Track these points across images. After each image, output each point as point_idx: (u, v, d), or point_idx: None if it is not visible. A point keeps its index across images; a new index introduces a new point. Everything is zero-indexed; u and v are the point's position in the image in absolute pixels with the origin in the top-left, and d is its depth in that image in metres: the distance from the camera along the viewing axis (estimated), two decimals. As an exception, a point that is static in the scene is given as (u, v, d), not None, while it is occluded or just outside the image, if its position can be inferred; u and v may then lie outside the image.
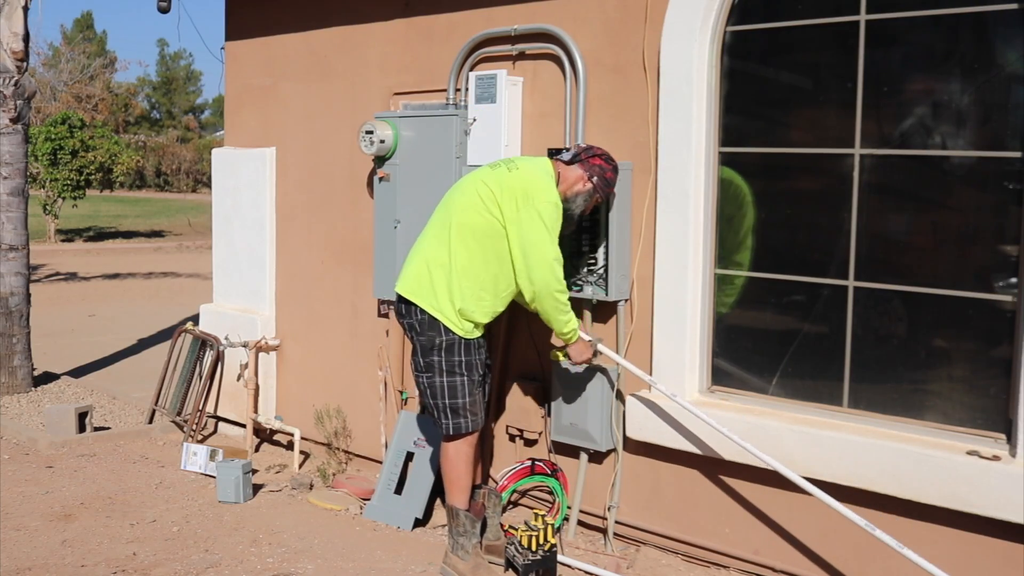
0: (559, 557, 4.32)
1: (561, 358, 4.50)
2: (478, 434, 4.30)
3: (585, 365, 4.45)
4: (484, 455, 5.12)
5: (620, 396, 4.56)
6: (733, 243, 4.38)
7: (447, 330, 4.15)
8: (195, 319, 6.83)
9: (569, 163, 4.20)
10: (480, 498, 4.46)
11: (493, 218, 4.08)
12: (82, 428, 6.43)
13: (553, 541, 4.21)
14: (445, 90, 5.16)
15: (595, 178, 4.17)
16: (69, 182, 23.64)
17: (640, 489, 4.58)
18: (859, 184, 3.98)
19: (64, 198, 23.93)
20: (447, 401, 4.19)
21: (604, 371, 4.56)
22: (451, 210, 4.20)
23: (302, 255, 6.12)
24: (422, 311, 4.16)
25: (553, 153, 4.38)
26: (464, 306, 4.13)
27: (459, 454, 4.25)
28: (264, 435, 6.33)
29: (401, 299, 4.26)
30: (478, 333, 4.23)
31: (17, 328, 7.68)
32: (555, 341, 4.59)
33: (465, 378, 4.19)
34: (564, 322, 4.17)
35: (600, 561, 4.43)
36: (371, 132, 5.15)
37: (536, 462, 4.73)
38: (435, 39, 5.30)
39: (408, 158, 5.16)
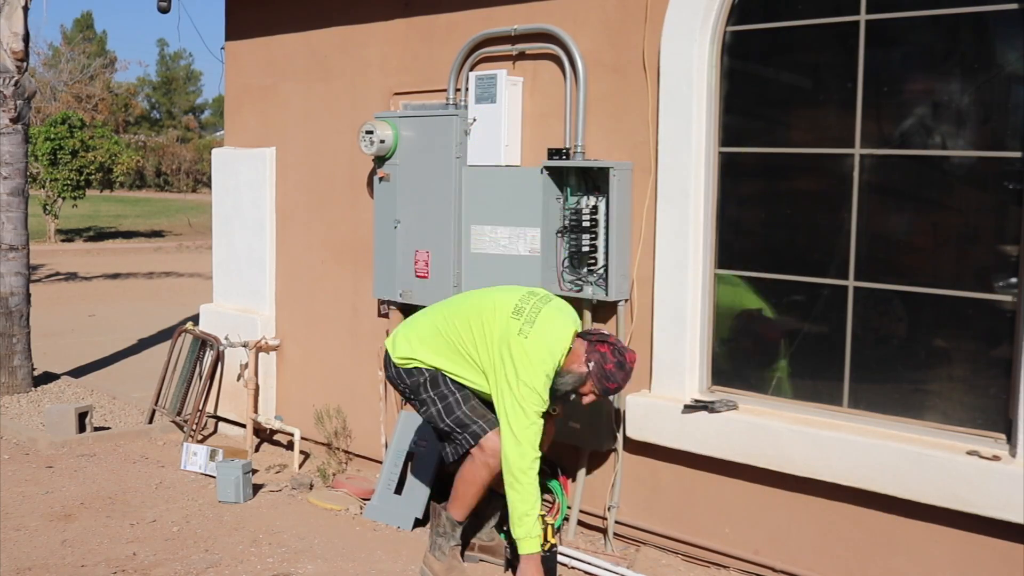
0: (558, 557, 4.32)
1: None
2: (496, 467, 4.05)
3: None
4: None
5: (620, 396, 4.55)
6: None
7: (419, 370, 4.22)
8: (195, 319, 6.83)
9: (583, 338, 4.02)
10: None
11: (484, 352, 4.06)
12: (82, 428, 6.43)
13: (553, 541, 4.21)
14: (445, 90, 5.16)
15: (592, 364, 3.94)
16: (69, 182, 23.64)
17: (640, 489, 4.58)
18: (859, 184, 3.98)
19: (64, 198, 23.93)
20: (449, 420, 4.16)
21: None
22: (456, 317, 4.17)
23: (302, 255, 6.12)
24: (398, 366, 4.26)
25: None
26: (416, 357, 4.24)
27: (476, 478, 4.14)
28: (264, 435, 6.33)
29: (386, 353, 4.35)
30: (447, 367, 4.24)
31: (17, 328, 7.68)
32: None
33: (457, 395, 4.18)
34: (522, 498, 3.89)
35: (600, 561, 4.43)
36: (371, 132, 5.15)
37: (536, 462, 4.73)
38: (435, 39, 5.30)
39: (408, 158, 5.17)
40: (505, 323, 4.02)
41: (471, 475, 4.16)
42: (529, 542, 3.92)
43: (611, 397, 4.49)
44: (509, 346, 3.96)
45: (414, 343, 4.25)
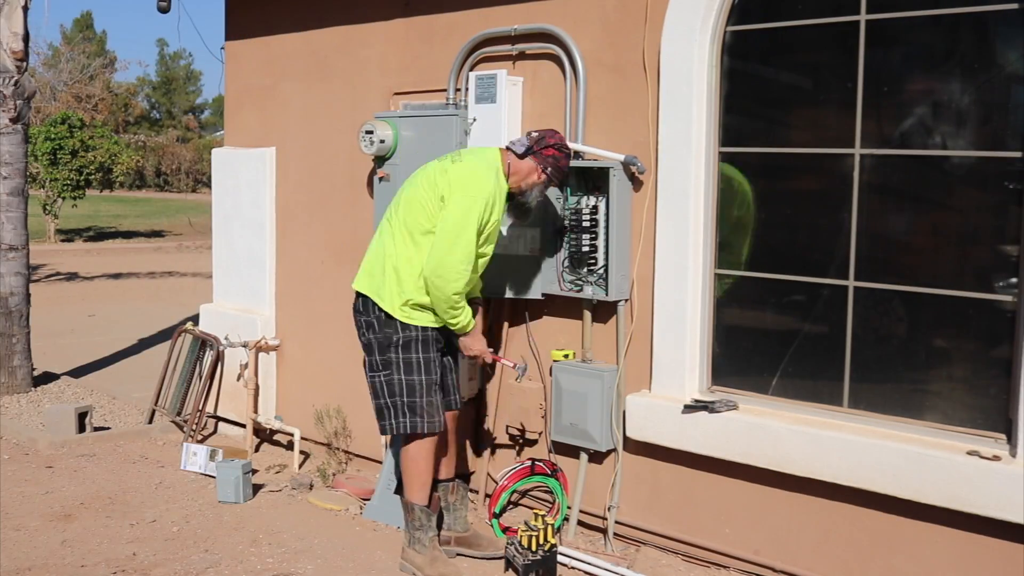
0: (558, 557, 4.33)
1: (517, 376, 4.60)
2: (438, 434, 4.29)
3: (477, 359, 4.42)
4: (479, 453, 5.13)
5: (620, 396, 4.55)
6: (737, 243, 4.38)
7: (403, 326, 4.18)
8: (195, 319, 6.83)
9: (522, 156, 4.20)
10: (441, 491, 4.50)
11: (434, 212, 4.12)
12: (82, 428, 6.43)
13: (553, 541, 4.21)
14: (445, 90, 5.16)
15: (549, 169, 4.20)
16: (69, 182, 23.63)
17: (640, 489, 4.58)
18: (859, 184, 3.98)
19: (64, 198, 23.92)
20: (404, 399, 4.19)
21: (604, 371, 4.56)
22: (399, 205, 4.26)
23: (302, 255, 6.12)
24: (377, 307, 4.20)
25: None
26: (411, 297, 4.16)
27: (420, 452, 4.26)
28: (264, 435, 6.33)
29: (359, 295, 4.30)
30: (432, 324, 4.21)
31: (17, 328, 7.68)
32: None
33: (423, 378, 4.19)
34: (452, 315, 4.13)
35: (600, 561, 4.43)
36: (371, 132, 5.15)
37: (536, 462, 4.73)
38: (435, 39, 5.30)
39: (408, 158, 5.16)
40: (435, 171, 4.18)
41: (415, 453, 4.26)
42: (467, 326, 4.20)
43: (611, 397, 4.55)
44: (451, 175, 4.11)
45: (399, 276, 4.14)
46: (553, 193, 4.66)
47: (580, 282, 4.62)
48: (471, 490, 5.14)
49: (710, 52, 4.30)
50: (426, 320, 4.20)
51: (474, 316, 4.29)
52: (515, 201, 4.28)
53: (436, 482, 4.43)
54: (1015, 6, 3.60)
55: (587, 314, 4.67)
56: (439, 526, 4.49)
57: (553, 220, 4.70)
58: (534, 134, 4.25)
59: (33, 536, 4.75)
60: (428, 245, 4.12)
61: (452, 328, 4.21)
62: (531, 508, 4.89)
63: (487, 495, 5.05)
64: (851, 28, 3.97)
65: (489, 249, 4.26)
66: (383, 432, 4.33)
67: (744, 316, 4.42)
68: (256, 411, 6.13)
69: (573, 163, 4.59)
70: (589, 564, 4.36)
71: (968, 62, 3.77)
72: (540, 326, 4.91)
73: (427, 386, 4.21)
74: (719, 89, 4.33)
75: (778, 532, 4.15)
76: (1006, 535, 3.56)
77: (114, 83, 42.49)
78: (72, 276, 17.32)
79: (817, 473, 3.93)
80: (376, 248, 4.30)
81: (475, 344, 4.31)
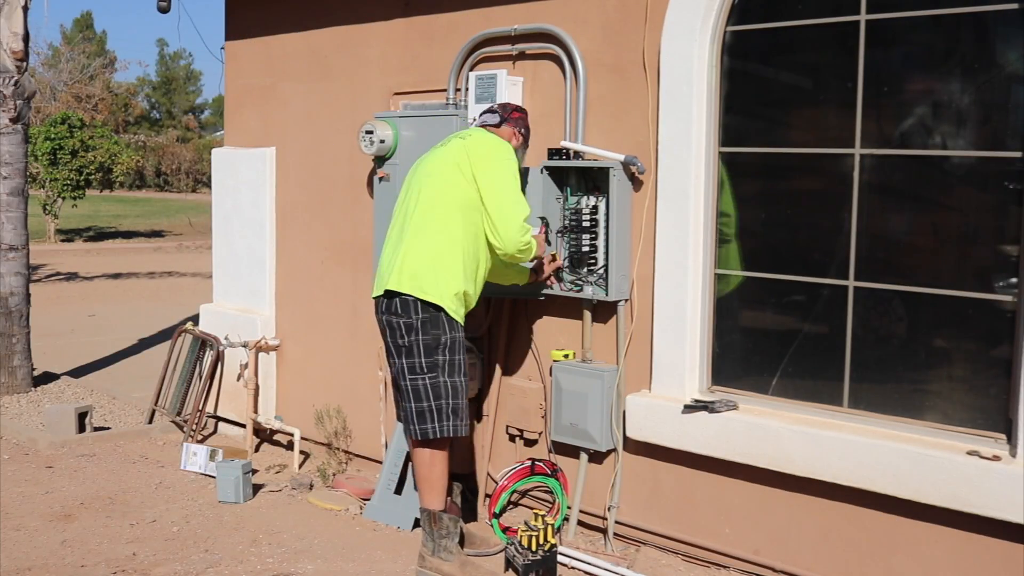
0: (558, 557, 4.33)
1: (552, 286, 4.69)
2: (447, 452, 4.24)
3: (551, 275, 4.64)
4: (482, 454, 5.12)
5: (620, 396, 4.56)
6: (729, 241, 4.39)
7: (451, 325, 4.10)
8: (195, 319, 6.83)
9: (499, 126, 4.38)
10: (451, 495, 4.47)
11: (468, 190, 4.12)
12: (82, 428, 6.43)
13: (553, 541, 4.21)
14: (445, 90, 5.16)
15: (522, 130, 4.43)
16: (69, 182, 23.65)
17: (640, 489, 4.58)
18: (859, 184, 3.98)
19: (64, 198, 23.94)
20: (451, 402, 4.10)
21: (604, 371, 4.56)
22: (419, 200, 4.16)
23: (302, 255, 6.12)
24: (421, 307, 4.06)
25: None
26: (460, 287, 4.11)
27: (438, 457, 4.18)
28: (264, 435, 6.33)
29: (395, 296, 4.11)
30: (463, 321, 4.22)
31: (17, 328, 7.68)
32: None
33: (463, 379, 4.17)
34: (531, 254, 4.24)
35: (600, 561, 4.43)
36: (371, 132, 5.15)
37: (536, 462, 4.73)
38: (435, 39, 5.30)
39: (408, 158, 5.15)
40: (454, 151, 4.21)
41: (431, 459, 4.17)
42: (535, 249, 4.28)
43: (611, 397, 4.55)
44: (473, 149, 4.18)
45: (448, 267, 4.10)
46: (553, 193, 4.66)
47: (580, 282, 4.62)
48: (469, 490, 5.14)
49: (710, 52, 4.30)
50: (463, 316, 4.19)
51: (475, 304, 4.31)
52: None
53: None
54: (1015, 6, 3.60)
55: (587, 314, 4.67)
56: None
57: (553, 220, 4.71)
58: (495, 106, 4.49)
59: (33, 536, 4.75)
60: (474, 226, 4.13)
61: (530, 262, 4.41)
62: (531, 508, 4.89)
63: (487, 495, 5.05)
64: (851, 28, 3.97)
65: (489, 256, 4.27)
66: (423, 437, 4.13)
67: (744, 316, 4.42)
68: (256, 411, 6.13)
69: (573, 163, 4.60)
70: (589, 564, 4.36)
71: (968, 62, 3.77)
72: (540, 326, 4.92)
73: (465, 388, 4.19)
74: (719, 89, 4.33)
75: (778, 532, 4.15)
76: (1006, 535, 3.56)
77: (114, 83, 42.50)
78: (72, 276, 17.32)
79: (817, 473, 3.93)
80: (414, 246, 4.11)
81: (546, 264, 4.60)
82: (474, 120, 4.55)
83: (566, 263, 4.65)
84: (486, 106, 4.82)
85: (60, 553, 4.54)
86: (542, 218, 4.68)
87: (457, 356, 4.14)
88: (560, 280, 4.66)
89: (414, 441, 4.20)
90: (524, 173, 4.60)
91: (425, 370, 4.10)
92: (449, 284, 4.08)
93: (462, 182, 4.11)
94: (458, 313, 4.14)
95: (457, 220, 4.10)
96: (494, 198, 4.09)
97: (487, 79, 4.86)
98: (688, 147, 4.31)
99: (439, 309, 4.07)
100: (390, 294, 4.12)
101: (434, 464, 4.18)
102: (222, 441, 6.42)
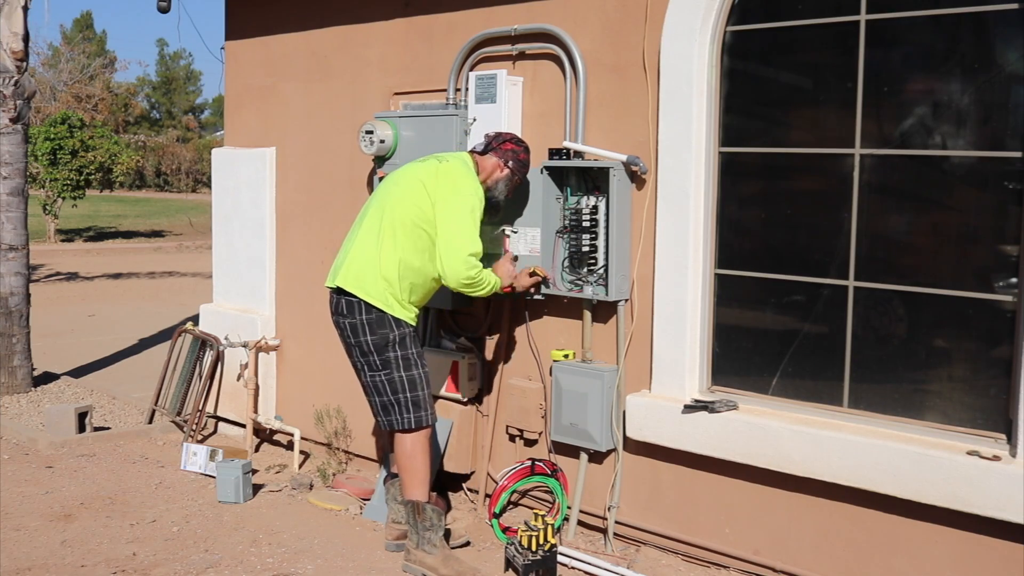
0: (558, 557, 4.33)
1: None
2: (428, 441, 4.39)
3: (533, 286, 4.61)
4: (482, 454, 5.12)
5: (620, 396, 4.56)
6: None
7: (398, 323, 4.26)
8: (195, 319, 6.83)
9: (483, 153, 4.46)
10: (389, 485, 4.57)
11: (425, 209, 4.24)
12: (82, 428, 6.43)
13: (553, 541, 4.21)
14: (445, 90, 5.16)
15: (510, 163, 4.44)
16: (69, 182, 23.65)
17: (640, 489, 4.58)
18: (859, 184, 3.98)
19: (64, 198, 23.94)
20: (408, 395, 4.28)
21: (604, 371, 4.56)
22: (386, 204, 4.32)
23: (302, 255, 6.12)
24: (370, 308, 4.25)
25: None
26: (406, 296, 4.28)
27: (418, 447, 4.33)
28: (264, 435, 6.33)
29: (343, 294, 4.31)
30: (414, 322, 4.37)
31: (17, 328, 7.68)
32: None
33: (420, 370, 4.32)
34: (484, 289, 4.31)
35: (600, 561, 4.43)
36: (371, 132, 5.15)
37: (536, 462, 4.73)
38: (435, 39, 5.30)
39: (408, 158, 5.14)
40: (422, 171, 4.32)
41: (412, 448, 4.32)
42: (497, 284, 4.38)
43: (611, 397, 4.54)
44: (442, 174, 4.28)
45: (387, 274, 4.22)
46: (552, 193, 4.67)
47: (580, 282, 4.62)
48: (471, 490, 5.15)
49: (710, 52, 4.30)
50: (413, 317, 4.34)
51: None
52: (485, 197, 4.40)
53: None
54: (1015, 6, 3.60)
55: (587, 314, 4.67)
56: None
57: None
58: (490, 133, 4.56)
59: (33, 536, 4.75)
60: (415, 243, 4.24)
61: (489, 294, 4.37)
62: (531, 508, 4.89)
63: (487, 495, 5.05)
64: (851, 28, 3.97)
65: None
66: (389, 428, 4.36)
67: (744, 316, 4.42)
68: (256, 411, 6.13)
69: (573, 163, 4.60)
70: (589, 564, 4.36)
71: (968, 62, 3.77)
72: (540, 326, 4.92)
73: (425, 379, 4.34)
74: (719, 89, 4.33)
75: (778, 532, 4.15)
76: (1006, 535, 3.56)
77: (114, 83, 42.52)
78: (72, 276, 17.33)
79: (817, 473, 3.93)
80: (361, 247, 4.31)
81: (519, 282, 4.55)
82: (474, 146, 4.62)
83: (565, 263, 4.65)
84: (486, 106, 4.86)
85: (60, 553, 4.54)
86: (508, 233, 4.77)
87: (409, 350, 4.29)
88: (538, 291, 4.68)
89: (391, 433, 4.40)
90: (502, 198, 4.57)
91: (379, 367, 4.30)
92: (391, 290, 4.25)
93: (423, 201, 4.25)
94: (403, 314, 4.28)
95: (408, 234, 4.26)
96: (445, 231, 4.21)
97: (487, 79, 4.86)
98: (688, 147, 4.31)
99: (382, 311, 4.26)
100: (339, 291, 4.34)
101: (414, 454, 4.32)
102: (222, 441, 6.42)
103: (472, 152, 4.49)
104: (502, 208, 4.60)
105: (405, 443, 4.34)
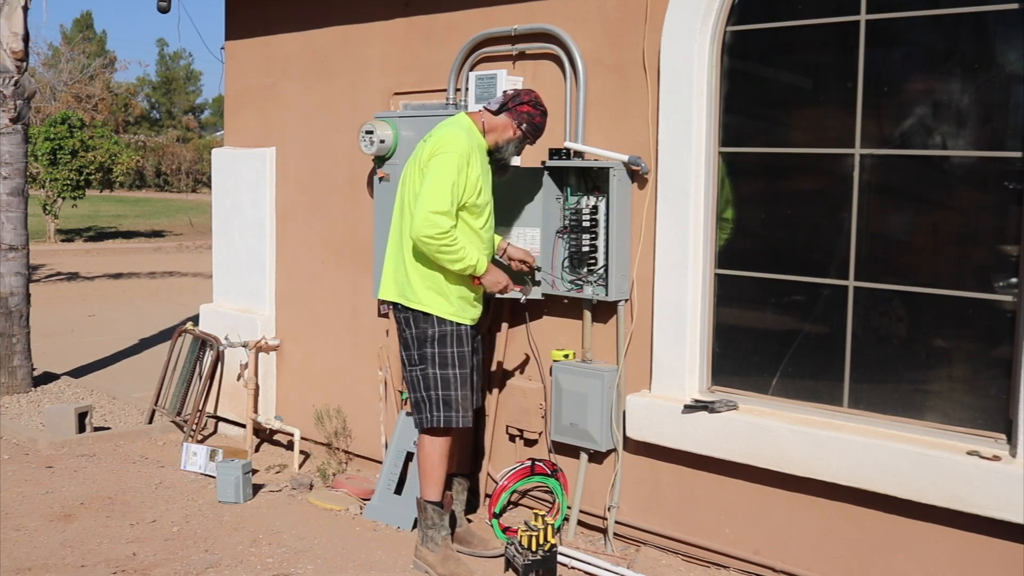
0: (558, 557, 4.33)
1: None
2: (449, 443, 4.34)
3: (503, 292, 4.38)
4: (475, 449, 5.12)
5: (620, 396, 4.55)
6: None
7: (440, 321, 4.20)
8: (195, 319, 6.83)
9: (496, 112, 4.29)
10: (450, 489, 4.52)
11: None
12: (82, 428, 6.43)
13: (553, 541, 4.21)
14: (445, 90, 5.16)
15: (524, 125, 4.28)
16: (69, 182, 23.64)
17: (640, 489, 4.58)
18: (859, 184, 3.98)
19: (64, 198, 23.93)
20: (440, 393, 4.22)
21: (604, 371, 4.56)
22: (402, 198, 4.30)
23: (302, 255, 6.12)
24: (407, 307, 4.23)
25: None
26: (443, 288, 4.18)
27: (438, 448, 4.30)
28: (264, 435, 6.33)
29: (388, 301, 4.35)
30: (470, 314, 4.26)
31: (17, 328, 7.68)
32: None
33: (458, 371, 4.23)
34: (452, 261, 4.09)
35: (600, 561, 4.43)
36: (371, 132, 5.15)
37: (536, 462, 4.73)
38: (435, 39, 5.30)
39: (408, 158, 5.16)
40: (416, 158, 4.25)
41: (430, 450, 4.28)
42: (479, 267, 4.16)
43: (611, 397, 4.55)
44: (424, 153, 4.17)
45: (417, 270, 4.19)
46: (553, 193, 4.66)
47: (580, 282, 4.62)
48: (470, 489, 5.15)
49: (710, 52, 4.30)
50: (462, 317, 4.24)
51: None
52: (493, 157, 4.34)
53: (450, 478, 4.45)
54: (1015, 6, 3.60)
55: (587, 314, 4.67)
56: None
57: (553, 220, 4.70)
58: (509, 91, 4.38)
59: (33, 536, 4.75)
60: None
61: (463, 271, 4.15)
62: (531, 508, 4.89)
63: (487, 495, 5.05)
64: (851, 28, 3.97)
65: (486, 218, 4.27)
66: (417, 425, 4.33)
67: (744, 316, 4.42)
68: (256, 411, 6.13)
69: (573, 163, 4.60)
70: (589, 564, 4.36)
71: (968, 62, 3.77)
72: (540, 326, 4.92)
73: (461, 380, 4.25)
74: (719, 89, 4.33)
75: (778, 532, 4.15)
76: (1006, 535, 3.56)
77: (114, 83, 42.49)
78: (72, 276, 17.32)
79: (817, 473, 3.93)
80: (390, 252, 4.34)
81: (497, 280, 4.28)
82: (488, 103, 4.46)
83: (565, 263, 4.65)
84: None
85: (60, 553, 4.54)
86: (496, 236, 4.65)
87: (449, 349, 4.21)
88: (507, 292, 4.54)
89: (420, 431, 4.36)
90: (510, 158, 4.48)
91: (416, 362, 4.26)
92: (426, 284, 4.18)
93: (420, 183, 4.18)
94: (446, 310, 4.20)
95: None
96: (423, 188, 4.11)
97: (487, 79, 4.86)
98: (688, 147, 4.31)
99: (421, 312, 4.22)
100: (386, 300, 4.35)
101: (431, 454, 4.30)
102: (222, 441, 6.42)
103: (483, 108, 4.34)
104: (509, 168, 4.42)
105: (426, 443, 4.29)
